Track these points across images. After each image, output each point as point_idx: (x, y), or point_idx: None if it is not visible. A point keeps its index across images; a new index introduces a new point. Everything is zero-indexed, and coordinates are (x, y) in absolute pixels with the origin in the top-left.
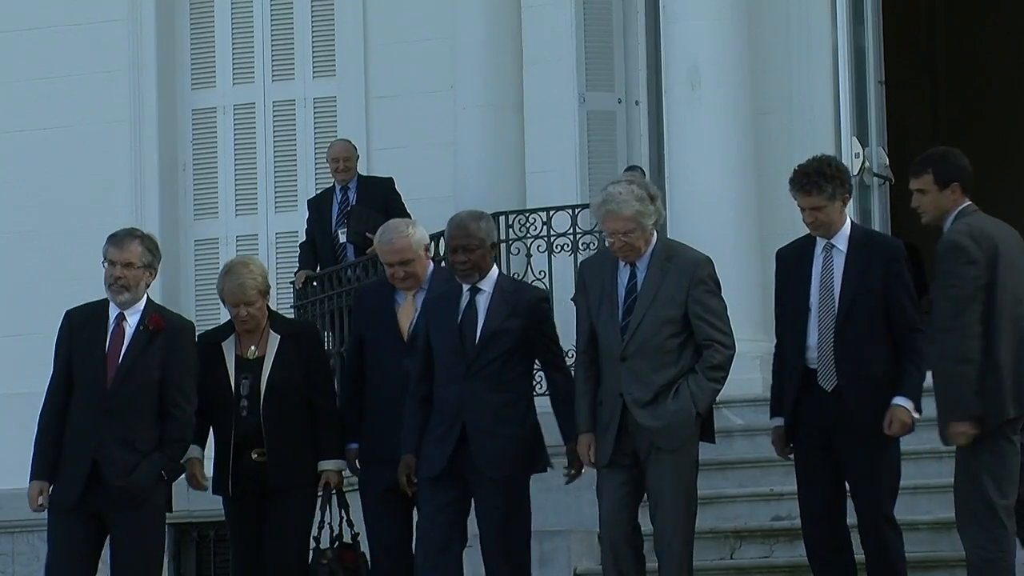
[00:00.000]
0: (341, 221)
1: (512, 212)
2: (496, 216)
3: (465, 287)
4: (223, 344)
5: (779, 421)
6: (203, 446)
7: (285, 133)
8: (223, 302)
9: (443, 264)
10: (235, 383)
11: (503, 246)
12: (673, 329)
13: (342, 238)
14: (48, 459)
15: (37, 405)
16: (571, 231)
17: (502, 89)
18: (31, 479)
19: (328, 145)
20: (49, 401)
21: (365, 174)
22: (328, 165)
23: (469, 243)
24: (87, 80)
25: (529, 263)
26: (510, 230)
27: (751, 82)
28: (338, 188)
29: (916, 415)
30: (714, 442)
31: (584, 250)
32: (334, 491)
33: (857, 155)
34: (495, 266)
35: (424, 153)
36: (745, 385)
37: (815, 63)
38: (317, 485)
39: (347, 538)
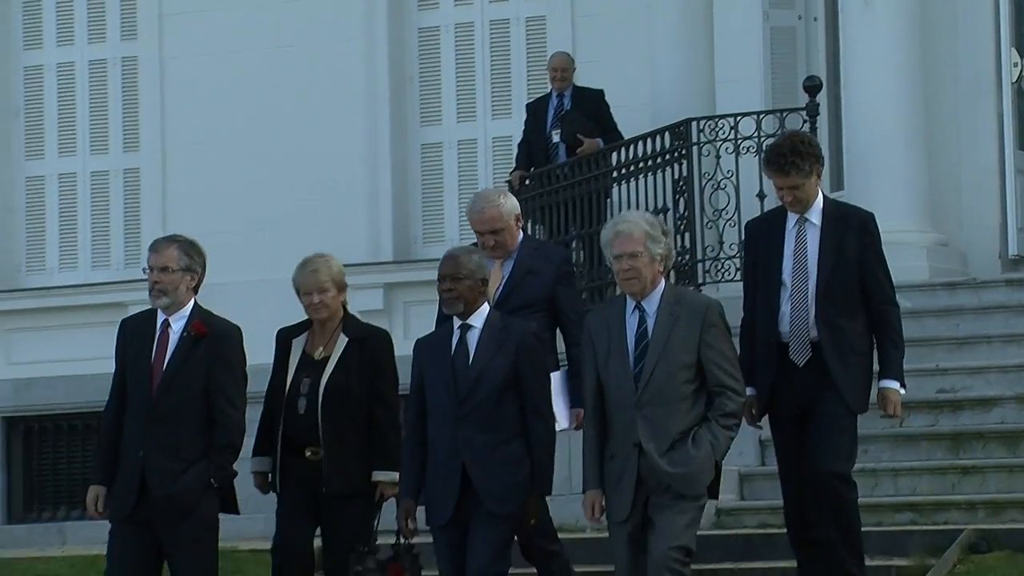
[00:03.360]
0: (555, 123)
1: (703, 118)
2: (688, 121)
3: (456, 325)
4: (294, 341)
5: (751, 391)
6: (274, 452)
7: (501, 49)
8: (297, 294)
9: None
10: (292, 380)
11: (693, 149)
12: (688, 375)
13: (555, 139)
14: (103, 465)
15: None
16: (756, 135)
17: (694, 7)
18: (90, 484)
19: (548, 57)
20: (106, 410)
21: (580, 85)
22: (548, 74)
23: (457, 272)
24: (316, 4)
25: (718, 164)
26: (701, 134)
27: None
28: (555, 95)
29: (902, 392)
30: (717, 498)
31: None
32: (387, 500)
33: (1015, 64)
34: (487, 303)
35: (624, 65)
36: (913, 272)
37: None
38: (371, 492)
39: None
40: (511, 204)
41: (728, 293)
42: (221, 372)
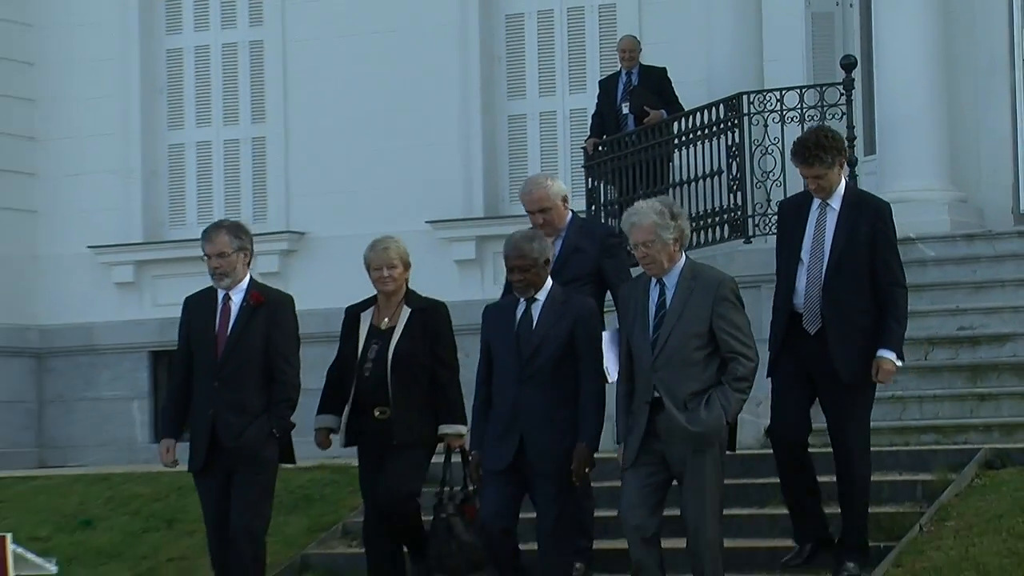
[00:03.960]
0: (624, 97)
1: (753, 92)
2: (740, 95)
3: (522, 298)
4: (362, 315)
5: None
6: (340, 411)
7: (576, 32)
8: (368, 270)
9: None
10: (362, 348)
11: (744, 119)
12: (699, 342)
13: (625, 110)
14: (172, 419)
15: None
16: (798, 106)
17: None
18: (159, 438)
19: (617, 39)
20: (172, 376)
21: (645, 63)
22: (617, 54)
23: (524, 263)
24: None
25: (766, 132)
26: (751, 106)
27: None
28: (623, 72)
29: (899, 363)
30: (735, 451)
31: (809, 121)
32: (456, 452)
33: None
34: (549, 279)
35: (684, 46)
36: (936, 225)
37: None
38: (433, 444)
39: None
40: (558, 186)
41: (774, 244)
42: (278, 335)
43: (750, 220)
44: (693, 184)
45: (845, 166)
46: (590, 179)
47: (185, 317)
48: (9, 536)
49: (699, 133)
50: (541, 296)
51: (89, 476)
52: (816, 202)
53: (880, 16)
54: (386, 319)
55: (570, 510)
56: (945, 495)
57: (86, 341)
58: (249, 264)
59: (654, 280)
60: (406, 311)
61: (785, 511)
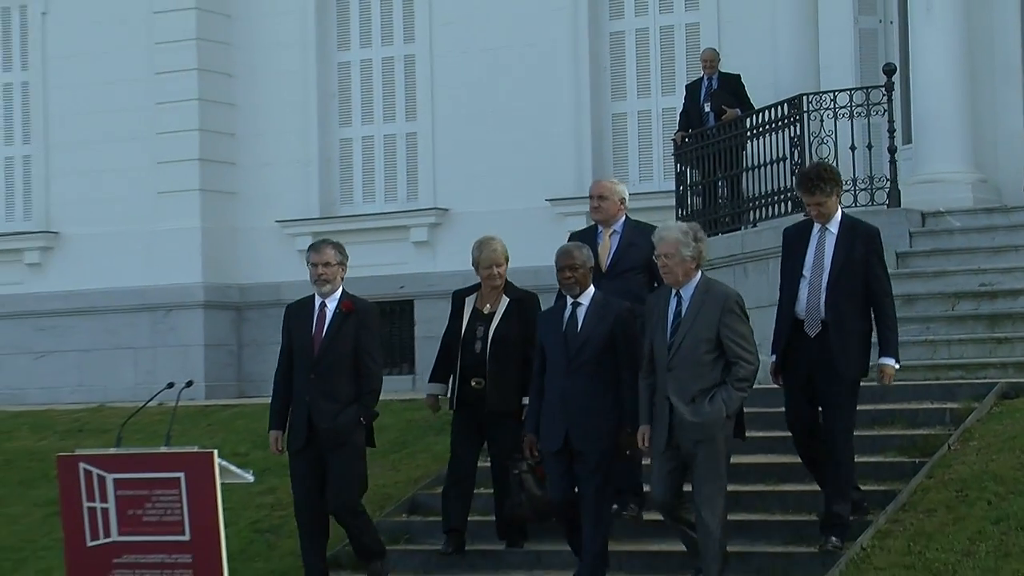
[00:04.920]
0: (706, 98)
1: (811, 93)
2: (801, 96)
3: (568, 302)
4: (467, 299)
5: (774, 357)
6: (447, 380)
7: (667, 46)
8: (477, 267)
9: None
10: (466, 328)
11: (804, 116)
12: (708, 347)
13: (707, 109)
14: (277, 414)
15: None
16: (848, 105)
17: (805, 14)
18: (269, 430)
19: (700, 51)
20: (277, 371)
21: (723, 71)
22: (700, 63)
23: (573, 263)
24: (538, 16)
25: (822, 126)
26: (809, 104)
27: (966, 5)
28: (705, 78)
29: (897, 367)
30: (744, 440)
31: (858, 117)
32: None
33: None
34: (592, 285)
35: (755, 56)
36: (961, 201)
37: None
38: (520, 414)
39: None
40: (620, 188)
41: None
42: (365, 337)
43: None
44: (762, 169)
45: (841, 195)
46: (678, 165)
47: (286, 321)
48: (215, 452)
49: (767, 127)
50: (584, 300)
51: None
52: (816, 227)
53: (915, 31)
54: (488, 305)
55: (608, 480)
56: (969, 420)
57: (275, 296)
58: (343, 277)
59: (673, 291)
60: (505, 300)
61: None
